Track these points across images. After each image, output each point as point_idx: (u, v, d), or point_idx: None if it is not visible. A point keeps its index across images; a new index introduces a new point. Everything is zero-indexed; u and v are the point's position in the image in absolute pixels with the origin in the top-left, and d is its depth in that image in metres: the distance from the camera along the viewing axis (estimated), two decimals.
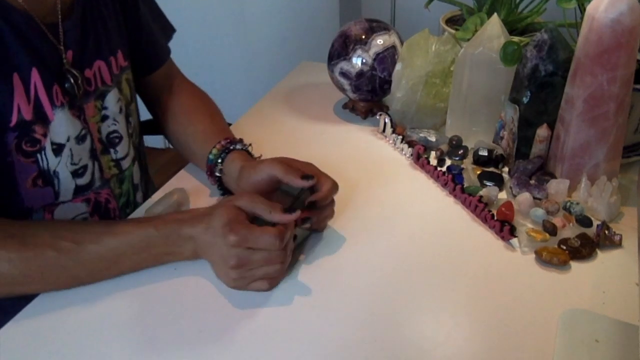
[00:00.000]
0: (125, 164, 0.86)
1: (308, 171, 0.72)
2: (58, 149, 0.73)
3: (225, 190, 0.83)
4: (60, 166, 0.74)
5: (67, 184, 0.76)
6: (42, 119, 0.71)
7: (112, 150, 0.82)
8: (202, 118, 0.91)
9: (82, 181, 0.78)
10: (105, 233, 0.67)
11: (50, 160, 0.73)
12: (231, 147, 0.81)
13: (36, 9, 0.70)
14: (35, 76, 0.69)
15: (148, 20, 0.91)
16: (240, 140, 0.84)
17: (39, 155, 0.72)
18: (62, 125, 0.73)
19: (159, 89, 0.96)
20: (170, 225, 0.68)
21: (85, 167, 0.78)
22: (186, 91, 0.97)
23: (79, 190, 0.78)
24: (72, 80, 0.73)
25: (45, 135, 0.72)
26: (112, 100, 0.81)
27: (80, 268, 0.66)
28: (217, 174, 0.81)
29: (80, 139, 0.76)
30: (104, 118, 0.80)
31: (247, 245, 0.64)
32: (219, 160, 0.81)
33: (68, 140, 0.74)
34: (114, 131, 0.82)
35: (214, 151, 0.82)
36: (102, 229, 0.68)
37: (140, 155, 0.93)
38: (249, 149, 0.84)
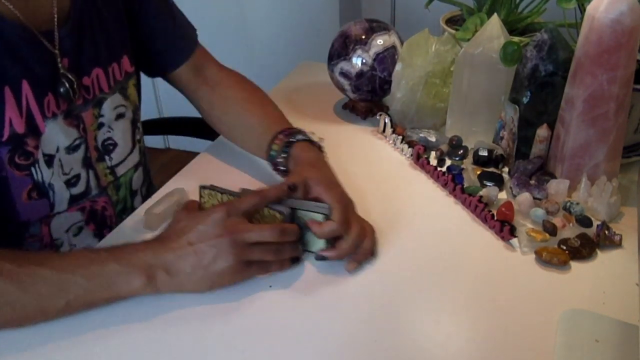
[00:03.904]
0: (121, 170, 0.85)
1: (359, 232, 0.69)
2: (49, 160, 0.72)
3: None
4: (54, 177, 0.73)
5: (61, 194, 0.75)
6: (33, 131, 0.69)
7: (107, 158, 0.82)
8: (253, 108, 0.89)
9: (76, 190, 0.77)
10: (50, 257, 0.61)
11: (44, 172, 0.72)
12: (292, 140, 0.79)
13: (31, 17, 0.68)
14: (25, 88, 0.67)
15: (161, 16, 0.88)
16: (300, 131, 0.81)
17: (33, 169, 0.71)
18: (53, 136, 0.72)
19: (191, 82, 0.92)
20: (126, 248, 0.62)
21: (77, 176, 0.77)
22: (227, 80, 0.93)
23: (73, 200, 0.77)
24: (67, 85, 0.71)
25: (37, 147, 0.70)
26: (108, 108, 0.79)
27: (24, 293, 0.58)
28: (283, 168, 0.79)
29: (71, 149, 0.75)
30: (100, 126, 0.79)
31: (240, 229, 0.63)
32: (283, 155, 0.79)
33: (57, 150, 0.73)
34: (109, 138, 0.81)
35: (275, 147, 0.79)
36: (49, 254, 0.63)
37: (145, 159, 0.93)
38: (312, 137, 0.81)
